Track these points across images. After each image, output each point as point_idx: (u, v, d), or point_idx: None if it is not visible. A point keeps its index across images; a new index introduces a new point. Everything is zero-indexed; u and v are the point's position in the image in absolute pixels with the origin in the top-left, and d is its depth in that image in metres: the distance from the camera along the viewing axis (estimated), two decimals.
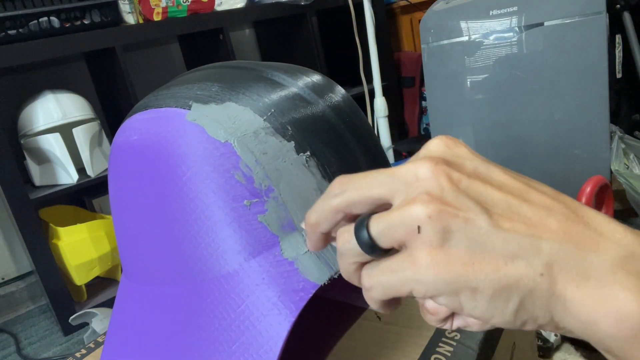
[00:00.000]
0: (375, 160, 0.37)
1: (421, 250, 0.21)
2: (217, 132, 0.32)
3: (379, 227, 0.22)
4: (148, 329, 0.34)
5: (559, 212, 0.22)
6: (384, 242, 0.22)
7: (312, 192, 0.33)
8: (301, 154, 0.33)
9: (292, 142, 0.33)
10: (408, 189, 0.22)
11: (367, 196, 0.23)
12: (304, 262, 0.31)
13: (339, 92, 0.38)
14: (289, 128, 0.33)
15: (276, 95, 0.35)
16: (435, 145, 0.24)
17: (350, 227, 0.23)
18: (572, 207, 0.22)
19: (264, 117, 0.33)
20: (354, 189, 0.23)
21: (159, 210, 0.33)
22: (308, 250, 0.31)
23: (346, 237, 0.23)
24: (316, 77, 0.38)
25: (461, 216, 0.21)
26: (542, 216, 0.21)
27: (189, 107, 0.33)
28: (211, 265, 0.32)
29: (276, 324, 0.29)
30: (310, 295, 0.30)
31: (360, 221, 0.23)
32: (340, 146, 0.35)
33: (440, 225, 0.21)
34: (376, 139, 0.39)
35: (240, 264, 0.31)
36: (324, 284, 0.30)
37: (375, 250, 0.22)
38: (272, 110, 0.34)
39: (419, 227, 0.21)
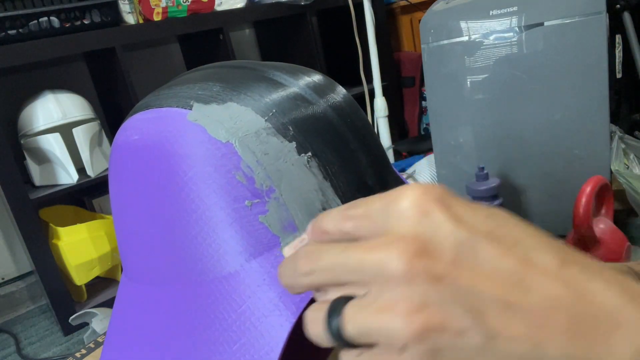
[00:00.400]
0: (376, 160, 0.37)
1: None
2: (218, 132, 0.32)
3: (354, 328, 0.19)
4: (148, 329, 0.34)
5: (564, 303, 0.18)
6: (362, 342, 0.19)
7: (313, 192, 0.33)
8: (302, 154, 0.33)
9: (294, 143, 0.33)
10: (382, 286, 0.19)
11: (338, 281, 0.20)
12: None
13: (340, 92, 0.38)
14: (290, 128, 0.33)
15: (277, 96, 0.35)
16: (405, 215, 0.19)
17: (321, 314, 0.20)
18: (580, 289, 0.18)
19: (266, 118, 0.33)
20: (323, 271, 0.21)
21: (159, 210, 0.33)
22: None
23: (317, 328, 0.21)
24: (317, 77, 0.38)
25: (451, 329, 0.18)
26: (544, 313, 0.18)
27: (190, 107, 0.33)
28: (212, 265, 0.32)
29: (277, 325, 0.29)
30: (311, 296, 0.30)
31: (332, 310, 0.20)
32: (342, 146, 0.35)
33: (428, 345, 0.18)
34: (377, 139, 0.39)
35: (242, 264, 0.31)
36: None
37: (349, 345, 0.20)
38: (274, 110, 0.34)
39: (403, 346, 0.18)
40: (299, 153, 0.33)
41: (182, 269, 0.33)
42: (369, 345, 0.20)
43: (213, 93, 0.34)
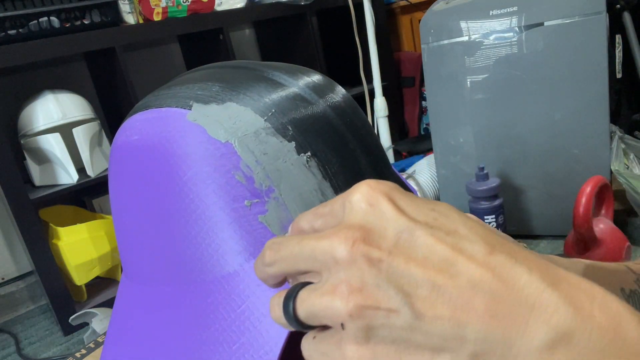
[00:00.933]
0: (375, 160, 0.37)
1: (348, 344, 0.21)
2: (217, 132, 0.32)
3: (304, 312, 0.22)
4: (148, 329, 0.34)
5: (487, 287, 0.20)
6: (311, 323, 0.22)
7: (312, 192, 0.33)
8: (302, 154, 0.33)
9: (293, 143, 0.33)
10: (330, 269, 0.21)
11: (297, 270, 0.23)
12: None
13: (340, 92, 0.38)
14: (290, 128, 0.33)
15: (277, 96, 0.35)
16: (355, 206, 0.22)
17: (280, 299, 0.23)
18: (504, 274, 0.20)
19: (265, 117, 0.33)
20: (283, 260, 0.23)
21: (159, 210, 0.33)
22: None
23: (276, 312, 0.23)
24: (317, 77, 0.38)
25: (383, 309, 0.20)
26: (467, 296, 0.19)
27: (190, 107, 0.33)
28: (212, 265, 0.32)
29: (277, 324, 0.29)
30: None
31: (288, 296, 0.22)
32: (341, 146, 0.35)
33: (362, 323, 0.20)
34: (377, 139, 0.39)
35: (241, 264, 0.31)
36: None
37: (304, 327, 0.22)
38: (273, 110, 0.34)
39: (342, 324, 0.20)
40: (298, 153, 0.33)
41: (181, 269, 0.33)
42: (325, 328, 0.22)
43: (212, 93, 0.34)
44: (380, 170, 0.37)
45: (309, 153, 0.33)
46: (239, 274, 0.31)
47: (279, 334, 0.29)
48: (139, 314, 0.36)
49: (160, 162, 0.33)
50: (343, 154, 0.35)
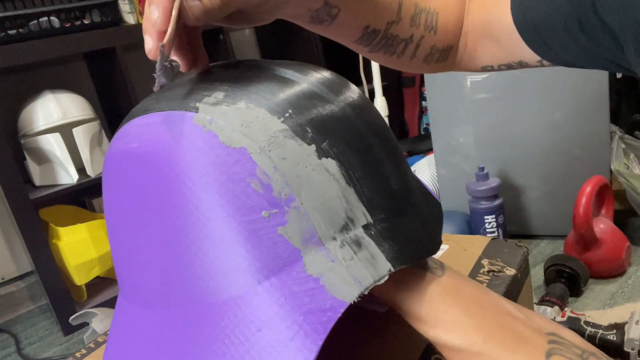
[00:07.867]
0: (399, 163, 0.34)
1: None
2: (229, 136, 0.29)
3: None
4: (149, 357, 0.31)
5: None
6: None
7: (336, 200, 0.29)
8: (323, 158, 0.30)
9: (313, 146, 0.30)
10: None
11: None
12: (330, 278, 0.28)
13: (355, 89, 0.35)
14: (309, 130, 0.30)
15: (291, 94, 0.31)
16: None
17: None
18: None
19: (281, 119, 0.30)
20: None
21: (163, 225, 0.30)
22: (335, 264, 0.28)
23: None
24: (327, 74, 0.35)
25: None
26: None
27: (196, 110, 0.30)
28: (226, 285, 0.28)
29: (303, 348, 0.26)
30: (339, 314, 0.27)
31: None
32: (364, 148, 0.31)
33: None
34: (396, 141, 0.36)
35: (259, 281, 0.28)
36: (354, 301, 0.27)
37: None
38: (290, 111, 0.30)
39: None
40: (320, 157, 0.30)
41: (190, 290, 0.29)
42: None
43: (220, 94, 0.31)
44: (404, 173, 0.34)
45: (330, 156, 0.30)
46: (258, 293, 0.28)
47: (307, 358, 0.26)
48: (138, 340, 0.32)
49: (164, 172, 0.29)
50: (367, 157, 0.31)
